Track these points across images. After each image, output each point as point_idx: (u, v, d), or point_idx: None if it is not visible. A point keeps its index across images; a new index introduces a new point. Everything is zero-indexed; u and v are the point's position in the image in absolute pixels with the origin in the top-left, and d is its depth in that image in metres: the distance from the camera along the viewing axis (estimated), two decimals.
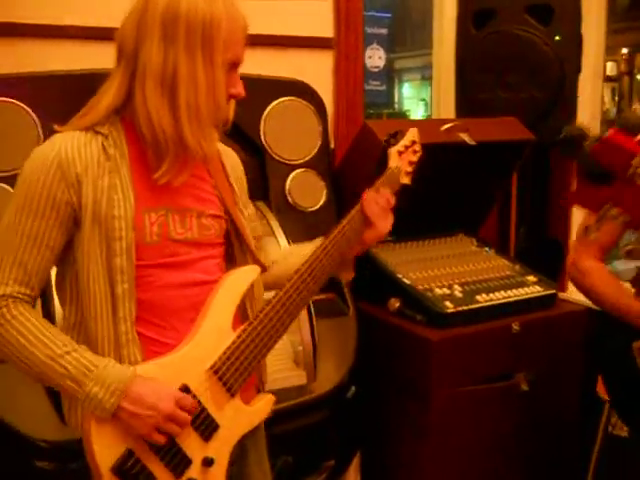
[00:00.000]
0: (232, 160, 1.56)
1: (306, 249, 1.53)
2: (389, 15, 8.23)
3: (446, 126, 2.47)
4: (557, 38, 2.72)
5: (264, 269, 1.56)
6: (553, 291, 2.50)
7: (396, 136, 1.82)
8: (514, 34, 2.79)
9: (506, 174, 2.79)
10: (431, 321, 2.28)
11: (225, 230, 1.49)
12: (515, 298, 2.41)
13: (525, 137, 2.63)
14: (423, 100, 13.93)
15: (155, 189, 1.37)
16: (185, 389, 1.35)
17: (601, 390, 2.29)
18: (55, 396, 1.89)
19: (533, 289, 2.48)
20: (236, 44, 1.32)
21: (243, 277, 1.50)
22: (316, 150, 2.47)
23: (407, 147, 1.80)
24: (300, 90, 2.44)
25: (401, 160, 1.75)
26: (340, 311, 2.35)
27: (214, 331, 1.40)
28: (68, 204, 1.30)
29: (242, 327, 1.42)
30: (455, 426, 2.27)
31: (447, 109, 3.31)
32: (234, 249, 1.53)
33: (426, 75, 13.87)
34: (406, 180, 1.78)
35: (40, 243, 1.30)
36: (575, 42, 2.73)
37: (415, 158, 1.80)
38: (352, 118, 2.90)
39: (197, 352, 1.37)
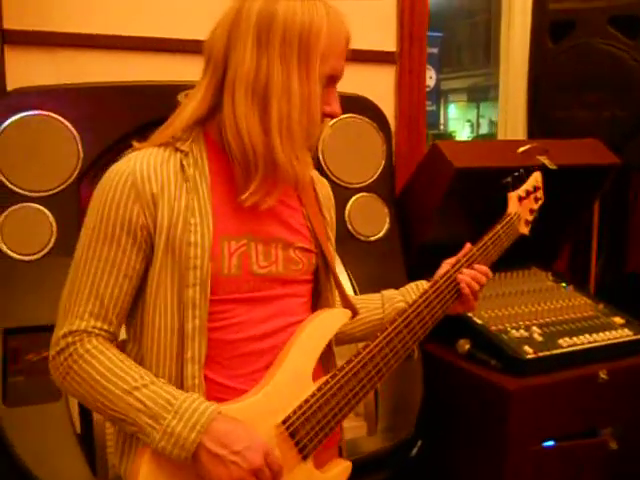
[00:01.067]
0: (325, 190, 1.40)
1: (375, 302, 1.47)
2: (441, 34, 8.00)
3: (523, 148, 2.22)
4: None
5: (355, 313, 1.35)
6: None
7: (520, 178, 1.66)
8: (596, 48, 2.54)
9: (587, 202, 2.51)
10: (508, 367, 2.01)
11: (314, 266, 1.31)
12: (602, 343, 2.13)
13: (610, 161, 2.36)
14: (469, 121, 13.70)
15: (238, 214, 1.20)
16: None
17: None
18: (89, 447, 1.69)
19: (622, 332, 2.19)
20: (336, 57, 1.17)
21: (331, 320, 1.32)
22: (379, 172, 2.23)
23: (529, 193, 1.67)
24: (362, 106, 2.22)
25: (521, 207, 1.59)
26: None
27: (291, 380, 1.21)
28: (144, 228, 1.15)
29: (324, 379, 1.22)
30: None
31: (515, 130, 3.06)
32: (322, 288, 1.34)
33: (472, 96, 13.65)
34: (525, 230, 1.61)
35: (117, 272, 1.15)
36: None
37: (537, 206, 1.67)
38: (415, 138, 2.67)
39: (269, 402, 1.18)
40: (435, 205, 2.16)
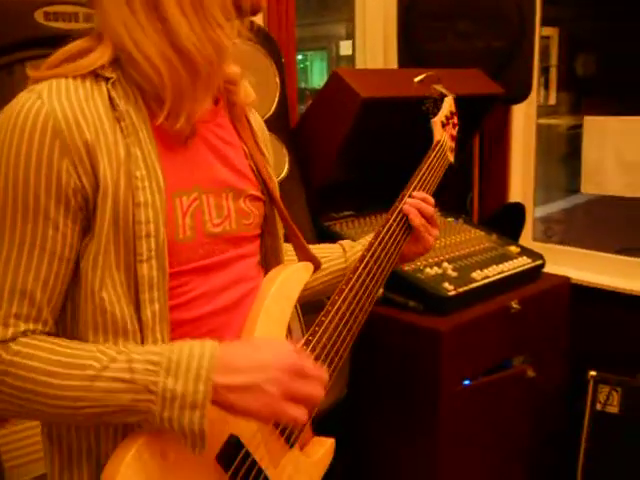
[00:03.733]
0: (259, 121, 1.18)
1: (336, 252, 1.34)
2: None
3: (420, 77, 2.10)
4: None
5: (317, 266, 1.15)
6: (541, 262, 2.24)
7: (436, 103, 1.54)
8: None
9: (470, 133, 2.48)
10: (430, 307, 1.92)
11: (263, 217, 1.08)
12: (509, 273, 2.11)
13: (494, 91, 2.34)
14: None
15: (183, 158, 0.94)
16: (235, 442, 0.91)
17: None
18: None
19: (522, 261, 2.20)
20: None
21: (295, 278, 1.13)
22: (274, 108, 1.99)
23: (448, 118, 1.56)
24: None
25: (445, 133, 1.46)
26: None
27: None
28: (78, 191, 0.83)
29: (300, 344, 1.04)
30: (465, 424, 1.94)
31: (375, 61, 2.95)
32: (271, 242, 1.12)
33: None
34: (452, 158, 1.49)
35: (50, 256, 0.84)
36: None
37: (455, 132, 1.57)
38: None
39: None
40: (338, 140, 1.97)
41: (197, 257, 0.93)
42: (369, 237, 1.29)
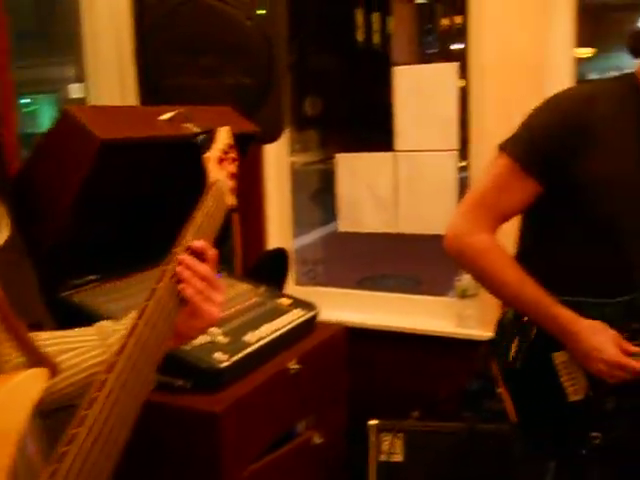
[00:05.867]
0: None
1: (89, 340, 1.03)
2: None
3: (168, 115, 1.82)
4: (261, 12, 2.27)
5: (54, 372, 0.83)
6: (315, 312, 2.06)
7: (209, 135, 1.27)
8: (207, 4, 2.26)
9: None
10: (202, 384, 1.63)
11: None
12: (284, 329, 1.90)
13: (249, 129, 2.13)
14: None
15: None
16: None
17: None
18: None
19: (296, 314, 2.00)
20: None
21: (17, 397, 0.78)
22: None
23: (225, 153, 1.32)
24: None
25: (222, 171, 1.20)
26: None
27: None
28: None
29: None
30: None
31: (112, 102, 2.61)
32: None
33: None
34: (232, 200, 1.23)
35: None
36: (283, 17, 2.32)
37: (235, 169, 1.32)
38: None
39: None
40: (73, 191, 1.61)
41: None
42: (135, 314, 0.98)
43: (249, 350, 1.73)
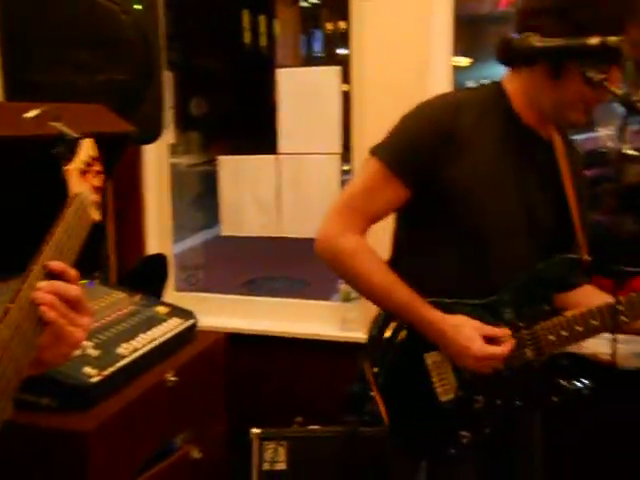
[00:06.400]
0: None
1: None
2: None
3: (33, 113, 1.69)
4: (138, 6, 2.17)
5: None
6: (193, 321, 1.99)
7: (70, 146, 1.25)
8: None
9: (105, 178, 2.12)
10: (71, 402, 1.51)
11: None
12: (160, 340, 1.82)
13: (125, 129, 2.03)
14: None
15: None
16: None
17: None
18: None
19: (174, 323, 1.92)
20: None
21: None
22: None
23: (88, 165, 1.24)
24: None
25: (86, 184, 1.18)
26: None
27: None
28: None
29: None
30: None
31: None
32: None
33: None
34: (97, 215, 1.16)
35: None
36: (160, 12, 2.23)
37: (100, 183, 1.26)
38: None
39: None
40: None
41: None
42: None
43: (122, 363, 1.64)
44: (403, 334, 1.46)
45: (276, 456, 2.20)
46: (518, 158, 1.41)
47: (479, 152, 1.38)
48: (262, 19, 9.71)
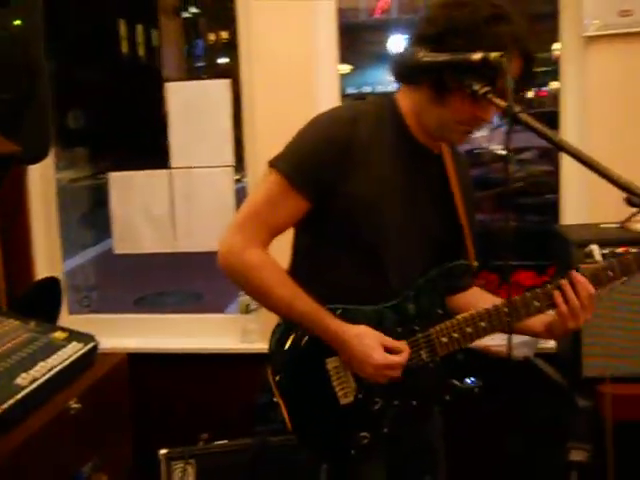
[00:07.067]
0: None
1: None
2: None
3: None
4: (17, 22, 2.08)
5: None
6: (94, 344, 1.93)
7: None
8: None
9: None
10: None
11: None
12: (60, 366, 1.75)
13: (9, 149, 1.94)
14: None
15: None
16: None
17: None
18: None
19: (74, 348, 1.85)
20: None
21: None
22: None
23: None
24: None
25: None
26: None
27: None
28: None
29: None
30: None
31: None
32: None
33: None
34: None
35: None
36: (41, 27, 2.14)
37: None
38: None
39: None
40: None
41: None
42: None
43: (22, 394, 1.57)
44: (304, 340, 1.48)
45: (185, 475, 2.18)
46: (411, 173, 1.47)
47: (375, 166, 1.43)
48: (140, 29, 9.52)
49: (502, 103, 1.25)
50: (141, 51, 9.54)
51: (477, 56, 1.25)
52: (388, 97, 1.49)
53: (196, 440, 2.23)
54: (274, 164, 1.44)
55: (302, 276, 1.49)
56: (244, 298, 2.64)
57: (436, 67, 1.31)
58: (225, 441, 2.24)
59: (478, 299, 1.59)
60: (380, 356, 1.40)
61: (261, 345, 2.46)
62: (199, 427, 2.25)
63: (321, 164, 1.40)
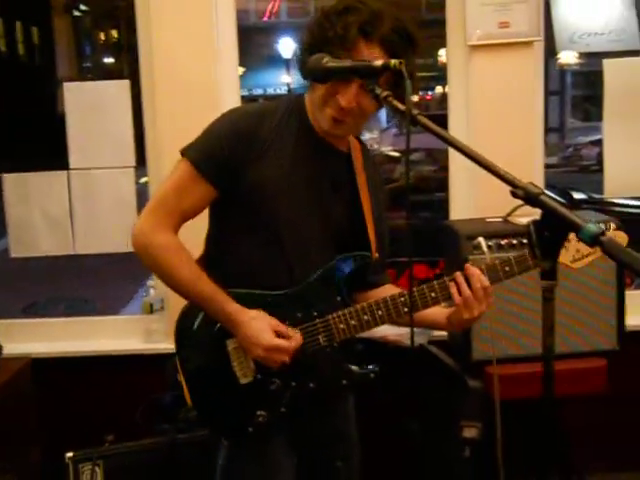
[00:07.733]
0: None
1: None
2: None
3: None
4: None
5: None
6: None
7: None
8: None
9: None
10: None
11: None
12: None
13: None
14: None
15: None
16: None
17: None
18: None
19: None
20: None
21: None
22: None
23: None
24: None
25: None
26: None
27: None
28: None
29: None
30: None
31: None
32: None
33: None
34: None
35: None
36: None
37: None
38: None
39: None
40: None
41: None
42: None
43: None
44: (208, 321, 1.55)
45: (94, 476, 2.17)
46: (314, 166, 1.57)
47: (276, 158, 1.52)
48: (19, 26, 9.13)
49: (402, 106, 1.35)
50: (21, 49, 9.15)
51: (378, 63, 1.35)
52: (298, 97, 1.59)
53: (102, 442, 2.22)
54: (184, 152, 1.52)
55: (209, 261, 1.59)
56: (147, 299, 2.65)
57: (340, 71, 1.40)
58: (132, 442, 2.24)
59: (388, 294, 1.68)
60: (268, 338, 1.48)
61: (165, 345, 2.47)
62: (107, 429, 2.24)
63: (227, 153, 1.49)
